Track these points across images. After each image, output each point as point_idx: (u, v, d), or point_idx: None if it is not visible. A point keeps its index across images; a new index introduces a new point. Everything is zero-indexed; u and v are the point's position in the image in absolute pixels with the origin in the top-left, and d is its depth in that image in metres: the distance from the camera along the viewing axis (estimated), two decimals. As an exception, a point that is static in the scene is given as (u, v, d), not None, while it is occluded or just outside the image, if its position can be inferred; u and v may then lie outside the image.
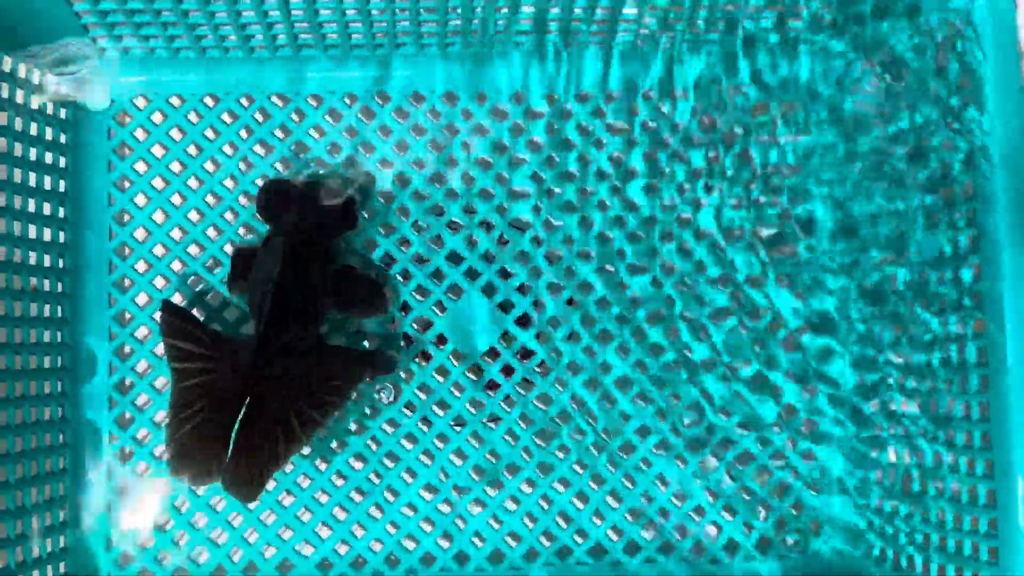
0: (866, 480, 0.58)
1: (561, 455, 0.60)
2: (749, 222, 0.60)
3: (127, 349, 0.59)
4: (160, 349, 0.59)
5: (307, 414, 0.54)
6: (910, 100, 0.55)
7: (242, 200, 0.60)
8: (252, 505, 0.58)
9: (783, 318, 0.60)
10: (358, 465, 0.59)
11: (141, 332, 0.59)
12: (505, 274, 0.61)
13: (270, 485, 0.57)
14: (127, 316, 0.59)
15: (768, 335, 0.60)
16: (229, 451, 0.53)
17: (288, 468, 0.58)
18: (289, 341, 0.54)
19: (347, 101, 0.61)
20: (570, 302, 0.61)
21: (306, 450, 0.58)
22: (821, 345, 0.60)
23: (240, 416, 0.53)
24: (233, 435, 0.53)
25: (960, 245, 0.52)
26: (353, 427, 0.59)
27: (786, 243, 0.60)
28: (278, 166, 0.60)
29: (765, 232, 0.60)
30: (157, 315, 0.58)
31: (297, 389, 0.54)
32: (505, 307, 0.61)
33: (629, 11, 0.57)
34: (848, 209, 0.59)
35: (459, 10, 0.56)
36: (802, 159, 0.59)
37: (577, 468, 0.60)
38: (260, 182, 0.60)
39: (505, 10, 0.56)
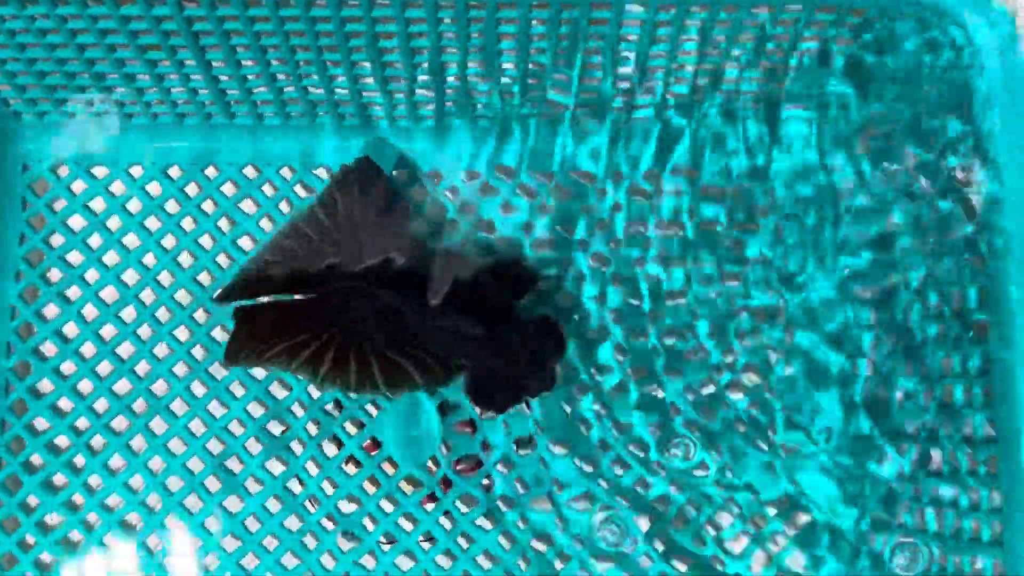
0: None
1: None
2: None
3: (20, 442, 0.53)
4: (63, 441, 0.53)
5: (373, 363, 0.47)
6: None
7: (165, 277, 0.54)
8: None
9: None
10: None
11: (40, 424, 0.53)
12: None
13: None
14: (23, 406, 0.53)
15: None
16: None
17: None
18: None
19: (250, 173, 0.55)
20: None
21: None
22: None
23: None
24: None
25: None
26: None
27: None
28: (204, 241, 0.54)
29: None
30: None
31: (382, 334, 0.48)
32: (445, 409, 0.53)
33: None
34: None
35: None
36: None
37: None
38: (186, 257, 0.54)
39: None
